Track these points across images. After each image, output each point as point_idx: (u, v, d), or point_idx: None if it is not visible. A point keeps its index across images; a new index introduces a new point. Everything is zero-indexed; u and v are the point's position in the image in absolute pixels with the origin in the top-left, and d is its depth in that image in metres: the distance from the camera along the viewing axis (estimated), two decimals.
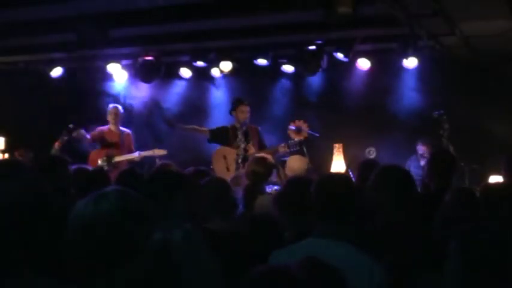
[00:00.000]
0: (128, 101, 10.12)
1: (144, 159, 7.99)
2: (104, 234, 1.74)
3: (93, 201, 1.80)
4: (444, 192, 3.78)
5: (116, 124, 8.29)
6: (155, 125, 9.91)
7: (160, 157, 7.74)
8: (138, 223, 1.79)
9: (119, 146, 8.15)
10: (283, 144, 7.21)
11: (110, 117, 8.35)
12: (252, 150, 7.35)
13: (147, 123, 10.01)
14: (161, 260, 2.02)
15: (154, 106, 10.18)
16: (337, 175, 3.69)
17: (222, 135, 7.56)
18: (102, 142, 8.17)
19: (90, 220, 1.76)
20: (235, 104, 7.60)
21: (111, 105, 8.56)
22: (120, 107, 8.50)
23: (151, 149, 8.02)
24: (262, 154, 6.09)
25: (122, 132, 8.31)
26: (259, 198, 4.80)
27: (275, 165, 5.69)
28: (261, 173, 5.18)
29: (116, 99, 9.89)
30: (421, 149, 8.62)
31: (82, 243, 1.76)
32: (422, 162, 8.41)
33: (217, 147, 7.64)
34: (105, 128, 8.30)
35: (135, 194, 1.86)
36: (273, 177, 7.08)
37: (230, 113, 7.66)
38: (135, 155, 7.96)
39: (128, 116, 9.46)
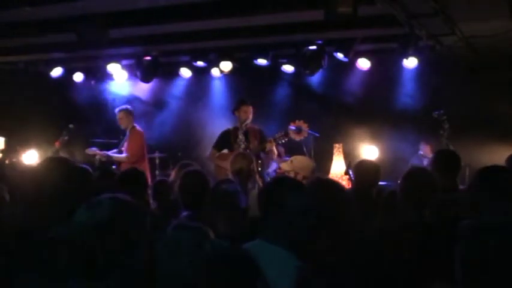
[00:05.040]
0: (127, 101, 10.10)
1: None
2: (95, 239, 1.78)
3: (86, 207, 1.85)
4: (451, 191, 3.78)
5: (125, 126, 8.04)
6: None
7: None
8: (132, 229, 1.83)
9: (122, 145, 8.05)
10: (269, 139, 7.16)
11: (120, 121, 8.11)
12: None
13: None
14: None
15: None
16: (329, 181, 3.52)
17: (224, 141, 7.48)
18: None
19: (83, 226, 1.80)
20: (238, 104, 7.58)
21: (118, 109, 8.23)
22: (124, 109, 8.16)
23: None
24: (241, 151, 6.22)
25: (126, 132, 8.07)
26: (251, 194, 4.82)
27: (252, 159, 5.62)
28: (243, 168, 5.15)
29: (116, 100, 9.87)
30: (423, 148, 8.61)
31: (77, 246, 1.80)
32: (425, 162, 8.41)
33: (222, 151, 7.43)
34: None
35: (130, 200, 1.91)
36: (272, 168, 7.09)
37: (233, 112, 7.64)
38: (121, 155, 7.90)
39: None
